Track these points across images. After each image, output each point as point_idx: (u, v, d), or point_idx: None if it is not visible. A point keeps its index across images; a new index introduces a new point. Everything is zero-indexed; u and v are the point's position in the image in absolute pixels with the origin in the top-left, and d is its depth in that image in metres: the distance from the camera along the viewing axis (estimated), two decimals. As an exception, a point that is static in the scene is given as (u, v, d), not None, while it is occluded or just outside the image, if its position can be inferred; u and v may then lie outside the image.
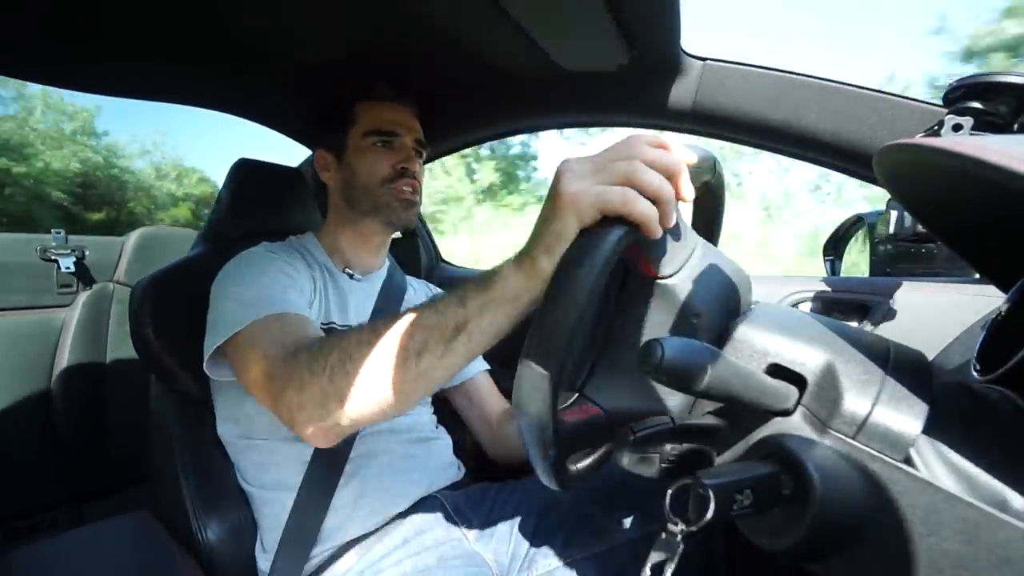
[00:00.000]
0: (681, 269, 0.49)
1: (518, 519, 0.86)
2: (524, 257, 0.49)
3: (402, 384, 0.55)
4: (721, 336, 0.48)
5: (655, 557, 0.38)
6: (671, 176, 0.45)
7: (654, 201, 0.44)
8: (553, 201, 0.46)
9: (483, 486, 0.95)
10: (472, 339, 0.52)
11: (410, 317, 0.55)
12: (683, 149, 0.47)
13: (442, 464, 0.96)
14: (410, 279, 1.13)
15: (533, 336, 0.41)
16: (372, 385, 0.55)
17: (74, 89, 1.00)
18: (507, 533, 0.85)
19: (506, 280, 0.50)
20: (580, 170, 0.46)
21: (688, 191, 0.46)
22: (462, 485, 0.97)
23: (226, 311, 0.76)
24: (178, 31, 0.86)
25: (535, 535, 0.83)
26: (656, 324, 0.49)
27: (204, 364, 0.77)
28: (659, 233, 0.44)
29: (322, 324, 0.89)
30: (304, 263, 0.91)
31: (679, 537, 0.37)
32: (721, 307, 0.49)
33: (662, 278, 0.48)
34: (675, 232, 0.49)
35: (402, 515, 0.86)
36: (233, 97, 1.18)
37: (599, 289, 0.41)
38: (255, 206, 1.08)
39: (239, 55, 0.96)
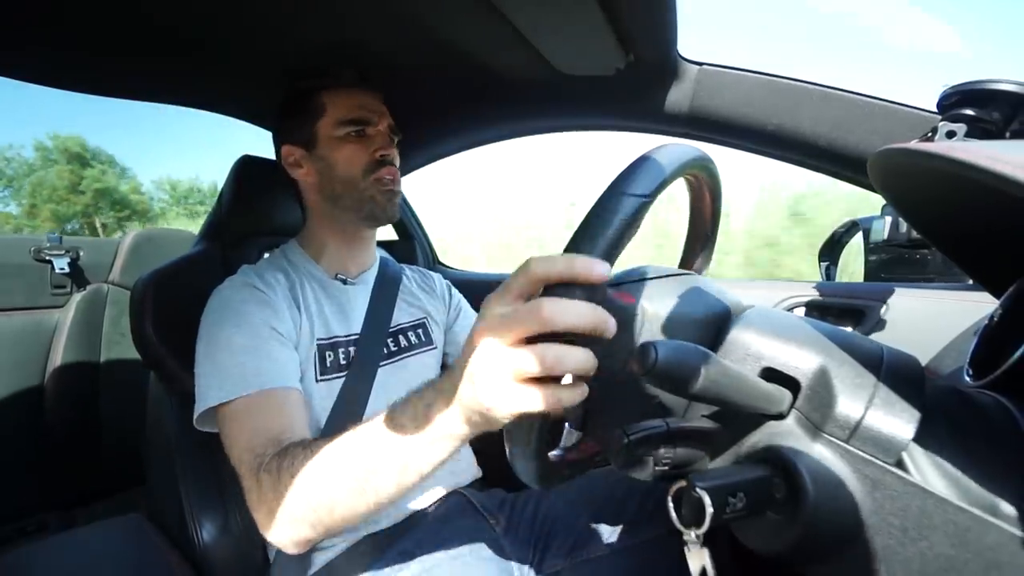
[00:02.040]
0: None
1: (536, 520, 0.87)
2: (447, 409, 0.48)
3: (368, 511, 0.59)
4: (715, 341, 0.48)
5: (693, 566, 0.38)
6: (594, 330, 0.40)
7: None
8: (470, 387, 0.44)
9: (502, 491, 0.96)
10: (423, 470, 0.54)
11: (360, 449, 0.57)
12: (598, 270, 0.40)
13: (463, 466, 0.96)
14: (404, 267, 1.10)
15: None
16: (338, 513, 0.59)
17: (54, 86, 0.99)
18: (528, 533, 0.85)
19: (456, 433, 0.50)
20: (498, 366, 0.42)
21: (612, 329, 0.41)
22: (481, 488, 0.97)
23: (207, 377, 0.76)
24: (156, 29, 0.84)
25: (549, 537, 0.84)
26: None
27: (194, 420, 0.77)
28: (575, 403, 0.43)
29: (324, 339, 0.87)
30: (287, 282, 0.89)
31: (699, 544, 0.37)
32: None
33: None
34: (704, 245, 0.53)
35: (428, 509, 0.87)
36: (213, 95, 1.16)
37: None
38: (257, 204, 1.06)
39: (213, 52, 0.94)
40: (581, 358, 0.40)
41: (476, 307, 1.16)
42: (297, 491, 0.60)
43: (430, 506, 0.88)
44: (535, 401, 0.41)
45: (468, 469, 0.98)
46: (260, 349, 0.78)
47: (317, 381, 0.84)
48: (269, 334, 0.80)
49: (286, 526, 0.62)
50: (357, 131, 0.91)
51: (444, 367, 1.06)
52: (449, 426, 0.49)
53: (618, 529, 0.80)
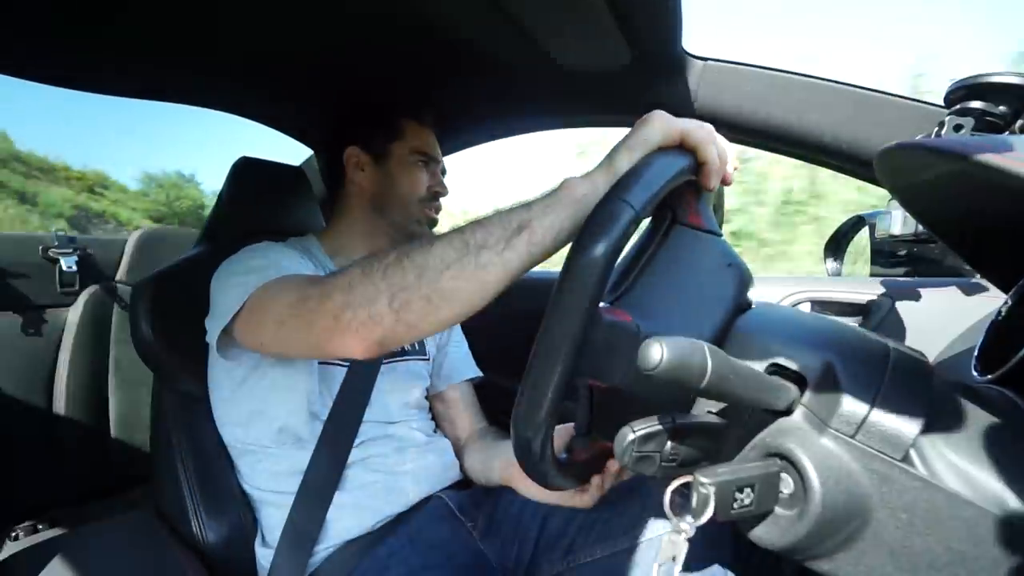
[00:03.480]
0: (721, 233, 0.55)
1: (523, 521, 0.85)
2: (602, 162, 0.54)
3: (458, 279, 0.52)
4: (725, 329, 0.49)
5: (663, 556, 0.38)
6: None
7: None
8: (646, 118, 0.53)
9: (483, 491, 0.95)
10: (534, 237, 0.52)
11: (473, 221, 0.55)
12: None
13: (442, 466, 0.96)
14: None
15: (588, 222, 0.44)
16: (427, 279, 0.53)
17: (101, 92, 1.00)
18: (512, 534, 0.85)
19: (574, 187, 0.53)
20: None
21: (731, 176, 0.55)
22: (465, 486, 0.97)
23: (230, 288, 0.74)
24: (195, 35, 0.86)
25: (540, 537, 0.83)
26: (697, 264, 0.53)
27: (214, 346, 0.76)
28: (713, 183, 0.53)
29: None
30: (307, 261, 0.91)
31: (684, 536, 0.37)
32: (745, 269, 0.53)
33: (705, 231, 0.54)
34: (717, 205, 0.56)
35: (405, 514, 0.87)
36: (239, 99, 1.18)
37: (659, 198, 0.47)
38: (256, 204, 1.07)
39: (248, 59, 0.96)
40: (724, 145, 0.54)
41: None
42: (389, 264, 0.55)
43: (407, 511, 0.87)
44: (700, 132, 0.52)
45: (448, 471, 0.97)
46: (284, 263, 0.80)
47: (318, 362, 0.86)
48: (294, 265, 0.83)
49: (365, 305, 0.55)
50: (423, 162, 1.00)
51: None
52: (585, 182, 0.53)
53: (617, 529, 0.79)
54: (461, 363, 1.10)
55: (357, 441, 0.87)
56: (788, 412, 0.41)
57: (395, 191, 0.98)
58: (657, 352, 0.35)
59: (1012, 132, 0.62)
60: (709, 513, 0.35)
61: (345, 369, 0.88)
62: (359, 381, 0.89)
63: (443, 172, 1.06)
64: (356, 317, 0.55)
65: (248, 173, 1.06)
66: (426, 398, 1.05)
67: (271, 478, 0.87)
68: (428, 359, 1.05)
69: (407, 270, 0.54)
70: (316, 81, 1.08)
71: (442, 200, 1.03)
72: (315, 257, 0.95)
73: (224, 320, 0.73)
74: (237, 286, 0.73)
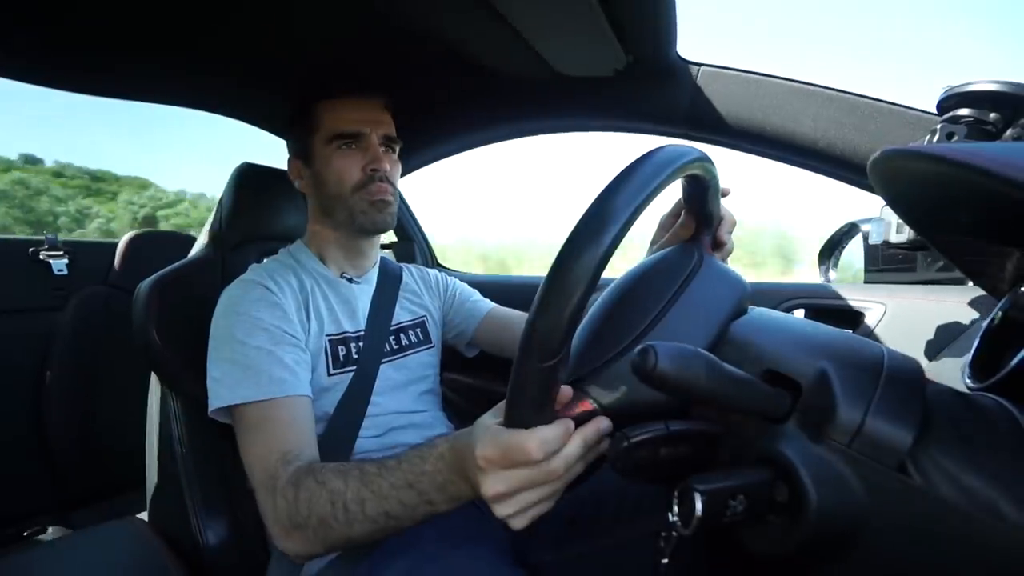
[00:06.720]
0: None
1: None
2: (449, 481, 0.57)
3: (375, 539, 0.64)
4: (717, 342, 0.48)
5: (652, 559, 0.38)
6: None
7: None
8: (471, 482, 0.53)
9: None
10: (441, 511, 0.59)
11: (379, 502, 0.60)
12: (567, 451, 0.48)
13: None
14: (404, 265, 1.13)
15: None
16: (350, 542, 0.64)
17: (45, 85, 0.99)
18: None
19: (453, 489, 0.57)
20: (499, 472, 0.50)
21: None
22: None
23: (222, 375, 0.78)
24: (156, 30, 0.85)
25: (552, 525, 0.82)
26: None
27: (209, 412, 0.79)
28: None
29: (334, 335, 0.89)
30: (297, 281, 0.90)
31: (674, 540, 0.37)
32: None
33: None
34: None
35: None
36: (215, 97, 1.17)
37: None
38: (258, 210, 1.08)
39: (218, 56, 0.95)
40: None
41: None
42: (315, 526, 0.63)
43: None
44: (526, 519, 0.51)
45: None
46: (273, 353, 0.78)
47: (329, 375, 0.86)
48: (281, 336, 0.81)
49: (301, 545, 0.66)
50: (347, 144, 0.91)
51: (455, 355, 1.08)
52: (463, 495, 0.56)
53: (612, 524, 0.79)
54: (474, 307, 1.13)
55: (383, 431, 0.88)
56: (782, 419, 0.40)
57: (326, 190, 0.92)
58: (652, 358, 0.34)
59: (1004, 140, 0.62)
60: (700, 519, 0.34)
61: (351, 374, 0.88)
62: (361, 382, 0.89)
63: (391, 142, 0.95)
64: (297, 551, 0.67)
65: (249, 178, 1.07)
66: (441, 383, 1.06)
67: None
68: (433, 345, 1.05)
69: (336, 540, 0.64)
70: (278, 82, 1.07)
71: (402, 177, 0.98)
72: (306, 268, 0.94)
73: (210, 408, 0.78)
74: (221, 383, 0.77)
